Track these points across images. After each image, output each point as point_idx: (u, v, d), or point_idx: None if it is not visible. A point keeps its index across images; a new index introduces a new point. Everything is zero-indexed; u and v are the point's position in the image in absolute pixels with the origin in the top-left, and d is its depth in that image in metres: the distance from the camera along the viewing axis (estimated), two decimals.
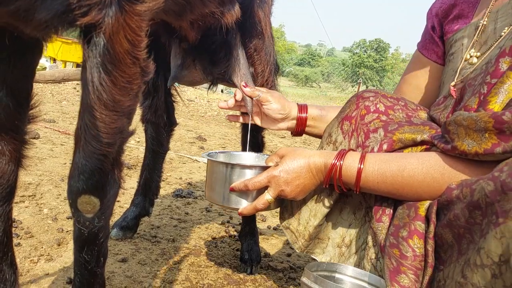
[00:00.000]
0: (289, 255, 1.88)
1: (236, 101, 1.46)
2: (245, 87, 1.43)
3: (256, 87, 1.47)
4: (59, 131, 3.73)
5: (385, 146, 1.11)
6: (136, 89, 0.84)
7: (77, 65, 10.65)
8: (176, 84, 1.75)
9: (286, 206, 1.30)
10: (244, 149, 1.69)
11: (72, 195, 0.84)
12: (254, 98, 1.42)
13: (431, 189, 0.98)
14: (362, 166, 1.06)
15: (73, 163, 0.84)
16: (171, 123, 1.87)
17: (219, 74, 1.51)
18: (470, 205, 0.81)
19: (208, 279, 1.53)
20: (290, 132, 1.49)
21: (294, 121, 1.43)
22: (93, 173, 0.83)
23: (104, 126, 0.81)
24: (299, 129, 1.43)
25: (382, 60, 49.10)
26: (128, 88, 0.81)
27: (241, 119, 1.52)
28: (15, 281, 1.00)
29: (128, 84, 0.81)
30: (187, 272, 1.56)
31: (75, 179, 0.83)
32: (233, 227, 2.13)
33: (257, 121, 1.47)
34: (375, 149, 1.12)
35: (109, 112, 0.80)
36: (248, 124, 1.49)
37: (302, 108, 1.43)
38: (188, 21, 1.23)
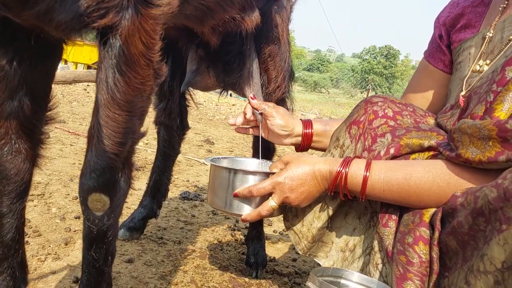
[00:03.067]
0: (294, 260, 1.88)
1: (244, 118, 1.46)
2: (252, 99, 1.45)
3: (263, 101, 1.48)
4: (69, 132, 3.77)
5: (392, 150, 1.10)
6: (149, 91, 0.86)
7: (88, 67, 10.75)
8: (190, 88, 1.78)
9: (291, 207, 1.30)
10: (257, 155, 1.70)
11: (83, 193, 0.86)
12: (259, 111, 1.42)
13: (437, 197, 0.98)
14: (368, 174, 1.06)
15: (85, 161, 0.86)
16: (184, 127, 1.89)
17: (230, 84, 1.53)
18: (474, 212, 0.81)
19: (213, 282, 1.54)
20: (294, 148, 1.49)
21: (298, 138, 1.43)
22: (105, 171, 0.84)
23: (116, 125, 0.82)
24: (305, 144, 1.43)
25: (392, 66, 48.94)
26: (141, 89, 0.83)
27: (250, 131, 1.52)
28: (24, 279, 1.01)
29: (141, 85, 0.83)
30: (192, 274, 1.57)
31: (86, 176, 0.85)
32: (239, 230, 2.13)
33: (264, 133, 1.48)
34: (382, 152, 1.12)
35: (122, 112, 0.82)
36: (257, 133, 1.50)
37: (307, 124, 1.43)
38: (210, 26, 1.25)
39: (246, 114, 1.45)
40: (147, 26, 0.80)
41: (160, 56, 0.85)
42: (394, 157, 1.10)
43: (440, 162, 1.00)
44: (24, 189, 0.97)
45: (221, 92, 1.69)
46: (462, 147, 0.93)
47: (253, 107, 1.44)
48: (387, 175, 1.04)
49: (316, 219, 1.25)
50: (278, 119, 1.41)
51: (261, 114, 1.43)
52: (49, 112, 0.99)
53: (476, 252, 0.80)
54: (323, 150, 1.42)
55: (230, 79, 1.51)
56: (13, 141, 0.93)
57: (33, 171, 0.98)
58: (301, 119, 1.46)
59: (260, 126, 1.46)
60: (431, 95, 1.38)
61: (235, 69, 1.49)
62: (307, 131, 1.42)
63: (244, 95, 1.55)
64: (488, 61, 1.11)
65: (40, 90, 0.96)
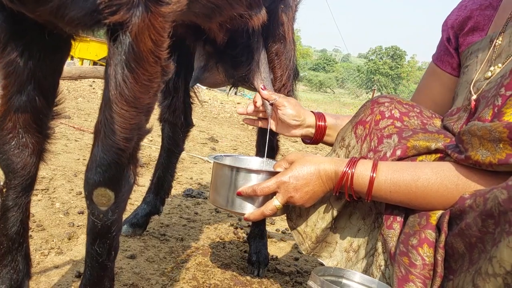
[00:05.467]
0: (296, 259, 1.88)
1: (255, 107, 1.46)
2: (263, 89, 1.45)
3: (274, 92, 1.48)
4: (74, 127, 3.78)
5: (398, 152, 1.10)
6: (156, 88, 0.87)
7: (94, 63, 10.77)
8: (198, 85, 1.78)
9: (294, 207, 1.29)
10: (261, 153, 1.70)
11: (88, 187, 0.87)
12: (270, 102, 1.42)
13: (445, 199, 0.97)
14: (374, 175, 1.05)
15: (91, 155, 0.87)
16: (188, 124, 1.89)
17: (240, 77, 1.54)
18: (483, 214, 0.80)
19: (214, 279, 1.54)
20: (301, 140, 1.49)
21: (309, 129, 1.43)
22: (110, 166, 0.85)
23: (123, 121, 0.83)
24: (318, 137, 1.43)
25: (398, 67, 48.78)
26: (148, 86, 0.84)
27: (259, 123, 1.52)
28: (27, 273, 1.02)
29: (149, 82, 0.84)
30: (194, 271, 1.57)
31: (92, 171, 0.85)
32: (242, 228, 2.13)
33: (272, 126, 1.47)
34: (388, 154, 1.11)
35: (129, 108, 0.83)
36: (264, 128, 1.50)
37: (320, 116, 1.43)
38: (218, 23, 1.26)
39: (256, 102, 1.45)
40: (156, 23, 0.81)
41: (168, 54, 0.86)
42: (400, 159, 1.10)
43: (449, 164, 0.99)
44: (30, 183, 0.98)
45: (230, 88, 1.70)
46: (471, 149, 0.92)
47: (263, 98, 1.44)
48: (394, 176, 1.03)
49: (320, 219, 1.24)
50: (290, 109, 1.41)
51: (271, 105, 1.43)
52: (55, 107, 1.00)
53: (483, 255, 0.79)
54: (332, 145, 1.41)
55: (239, 73, 1.51)
56: (20, 135, 0.94)
57: (39, 166, 0.99)
58: (312, 111, 1.46)
59: (270, 119, 1.45)
60: (438, 98, 1.37)
61: (244, 63, 1.49)
62: (320, 123, 1.42)
63: (254, 89, 1.55)
64: (500, 65, 1.10)
65: (49, 85, 0.97)
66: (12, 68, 0.90)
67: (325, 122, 1.42)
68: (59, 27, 0.84)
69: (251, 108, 1.47)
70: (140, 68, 0.81)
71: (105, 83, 0.84)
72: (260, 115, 1.50)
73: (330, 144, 1.43)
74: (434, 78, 1.38)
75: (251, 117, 1.54)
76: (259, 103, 1.45)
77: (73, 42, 0.97)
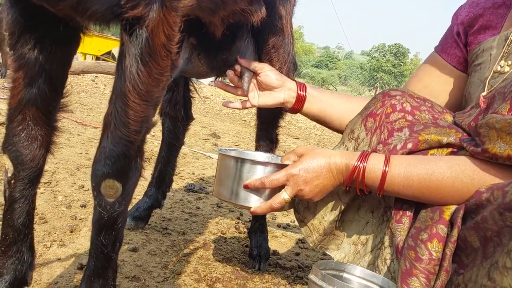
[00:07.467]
0: (297, 254, 1.89)
1: (235, 72, 1.47)
2: (241, 59, 1.47)
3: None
4: (77, 122, 3.80)
5: (409, 145, 1.08)
6: (166, 81, 0.89)
7: (97, 58, 10.78)
8: (200, 81, 1.79)
9: (301, 199, 1.28)
10: (260, 146, 1.69)
11: (96, 179, 0.87)
12: (250, 67, 1.44)
13: (460, 193, 0.96)
14: (387, 169, 1.03)
15: (100, 147, 0.88)
16: (188, 118, 1.90)
17: (221, 62, 1.53)
18: (501, 207, 0.79)
19: (216, 272, 1.55)
20: (282, 108, 1.50)
21: (291, 93, 1.44)
22: (119, 158, 0.86)
23: (134, 113, 0.85)
24: (298, 106, 1.44)
25: (401, 65, 48.66)
26: (159, 80, 0.86)
27: (236, 105, 1.52)
28: (31, 264, 1.03)
29: (160, 75, 0.86)
30: (195, 264, 1.58)
31: (101, 163, 0.86)
32: (243, 223, 2.14)
33: (254, 99, 1.47)
34: (398, 147, 1.10)
35: (141, 101, 0.84)
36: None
37: (301, 85, 1.45)
38: (220, 17, 1.27)
39: (236, 70, 1.46)
40: (170, 18, 0.83)
41: (177, 48, 0.87)
42: (411, 152, 1.08)
43: (464, 158, 0.98)
44: (37, 175, 0.99)
45: (215, 78, 1.71)
46: (489, 142, 0.91)
47: (243, 65, 1.45)
48: (407, 170, 1.02)
49: (328, 212, 1.23)
50: (269, 71, 1.44)
51: (253, 72, 1.45)
52: (63, 99, 1.02)
53: (499, 248, 0.78)
54: (313, 116, 1.45)
55: (218, 59, 1.51)
56: (30, 128, 0.95)
57: (46, 158, 1.00)
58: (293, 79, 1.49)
59: (247, 81, 1.47)
60: (434, 88, 1.36)
61: (224, 48, 1.49)
62: (301, 92, 1.43)
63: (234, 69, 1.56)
64: (509, 62, 1.09)
65: (58, 77, 0.99)
66: (24, 61, 0.92)
67: (306, 92, 1.43)
68: (76, 20, 0.86)
69: (231, 72, 1.48)
70: (153, 62, 0.83)
71: (117, 76, 0.85)
72: (240, 93, 1.51)
73: (312, 117, 1.45)
74: (435, 68, 1.37)
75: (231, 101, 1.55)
76: (237, 67, 1.46)
77: (82, 36, 0.99)
